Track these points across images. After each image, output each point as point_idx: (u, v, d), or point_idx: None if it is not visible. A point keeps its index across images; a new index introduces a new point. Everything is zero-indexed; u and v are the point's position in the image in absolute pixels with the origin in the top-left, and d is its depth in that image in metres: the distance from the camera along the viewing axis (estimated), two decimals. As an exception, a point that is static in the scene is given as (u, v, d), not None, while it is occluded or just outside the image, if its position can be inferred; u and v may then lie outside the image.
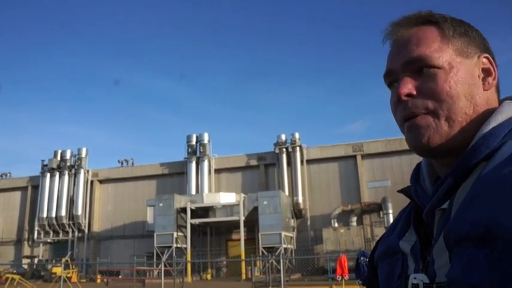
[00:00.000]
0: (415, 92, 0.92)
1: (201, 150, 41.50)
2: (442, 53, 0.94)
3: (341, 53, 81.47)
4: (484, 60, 0.99)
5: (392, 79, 0.99)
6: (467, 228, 0.73)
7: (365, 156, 39.13)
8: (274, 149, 40.50)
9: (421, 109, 0.91)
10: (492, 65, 0.99)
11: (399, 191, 1.09)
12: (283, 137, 40.62)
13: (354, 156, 39.21)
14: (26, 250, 44.44)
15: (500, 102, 0.98)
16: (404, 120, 0.94)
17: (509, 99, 0.97)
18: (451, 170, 0.88)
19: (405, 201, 1.04)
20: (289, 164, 39.56)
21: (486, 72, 0.98)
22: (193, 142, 42.10)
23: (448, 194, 0.87)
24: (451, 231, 0.76)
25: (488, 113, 0.92)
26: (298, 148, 39.63)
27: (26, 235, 44.90)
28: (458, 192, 0.84)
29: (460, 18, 1.02)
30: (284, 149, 39.85)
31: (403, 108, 0.93)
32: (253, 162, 41.36)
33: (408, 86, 0.93)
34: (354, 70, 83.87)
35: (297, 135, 40.30)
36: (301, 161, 39.50)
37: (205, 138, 42.05)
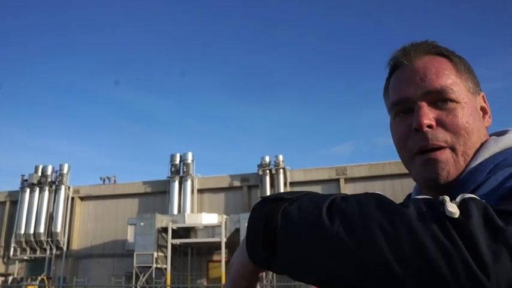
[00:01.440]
0: (434, 124, 0.93)
1: (185, 170, 41.26)
2: (458, 87, 0.96)
3: (328, 75, 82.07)
4: (481, 99, 1.03)
5: (405, 107, 0.99)
6: None
7: (348, 180, 39.21)
8: (258, 170, 40.42)
9: (441, 142, 0.93)
10: (487, 104, 1.04)
11: None
12: (267, 158, 40.60)
13: (337, 180, 39.26)
14: (1, 267, 43.36)
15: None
16: (420, 150, 0.95)
17: (495, 135, 0.99)
18: None
19: None
20: (272, 186, 39.45)
21: (483, 111, 1.03)
22: (177, 161, 41.88)
23: None
24: None
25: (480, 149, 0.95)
26: (281, 170, 39.59)
27: (1, 252, 43.85)
28: None
29: (459, 55, 1.04)
30: (268, 171, 39.80)
31: (421, 138, 0.94)
32: (237, 183, 41.19)
33: (430, 117, 0.93)
34: (340, 93, 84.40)
35: (280, 157, 40.30)
36: (285, 183, 39.42)
37: (189, 157, 41.85)
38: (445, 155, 0.93)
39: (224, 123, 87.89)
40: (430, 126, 0.93)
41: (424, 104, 0.95)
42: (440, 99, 0.95)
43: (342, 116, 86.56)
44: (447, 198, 0.65)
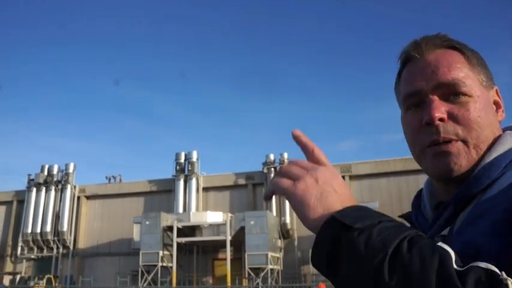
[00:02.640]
0: (446, 117, 0.93)
1: (190, 168, 41.36)
2: (471, 80, 0.95)
3: (333, 71, 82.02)
4: (494, 93, 1.03)
5: (416, 100, 0.98)
6: (457, 248, 0.73)
7: (353, 177, 39.16)
8: (263, 168, 40.47)
9: (452, 135, 0.92)
10: (500, 98, 1.03)
11: (400, 216, 1.11)
12: (271, 156, 40.63)
13: (343, 177, 38.71)
14: (9, 266, 43.68)
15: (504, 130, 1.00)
16: (431, 144, 0.94)
17: (509, 129, 0.98)
18: (453, 198, 0.90)
19: None
20: (277, 183, 39.42)
21: (496, 105, 1.02)
22: (182, 160, 41.98)
23: (448, 221, 0.89)
24: None
25: (494, 143, 0.94)
26: (287, 168, 39.53)
27: (8, 251, 44.17)
28: (458, 220, 0.86)
29: (472, 48, 1.03)
30: (272, 169, 39.80)
31: (433, 132, 0.93)
32: (242, 181, 41.26)
33: (441, 110, 0.93)
34: (345, 89, 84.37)
35: (285, 155, 40.31)
36: (290, 181, 39.38)
37: (194, 156, 41.96)
38: (457, 147, 0.92)
39: (228, 120, 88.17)
40: (441, 120, 0.93)
41: (435, 98, 0.95)
42: (452, 92, 0.94)
43: (347, 111, 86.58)
44: (509, 280, 0.61)
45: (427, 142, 0.95)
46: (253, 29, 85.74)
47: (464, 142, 0.92)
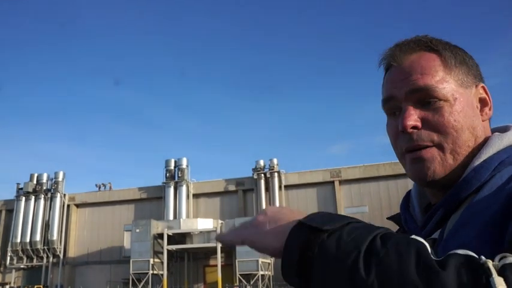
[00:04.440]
0: (420, 125, 0.92)
1: (180, 175, 41.35)
2: (446, 83, 0.93)
3: (323, 75, 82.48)
4: (481, 90, 1.00)
5: (392, 106, 0.99)
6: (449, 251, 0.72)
7: (343, 182, 39.42)
8: (253, 174, 40.61)
9: (427, 141, 0.92)
10: (488, 95, 1.00)
11: (388, 218, 1.11)
12: (261, 162, 40.80)
13: (332, 182, 39.47)
14: (-2, 277, 43.33)
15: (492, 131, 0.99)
16: (407, 151, 0.95)
17: (498, 131, 0.98)
18: (442, 201, 0.89)
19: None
20: (267, 189, 39.66)
21: (482, 103, 0.99)
22: (172, 167, 41.99)
23: (438, 224, 0.89)
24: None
25: (482, 145, 0.93)
26: (276, 174, 39.81)
27: (-3, 261, 43.84)
28: (449, 223, 0.86)
29: (456, 45, 1.01)
30: (262, 175, 40.00)
31: (408, 139, 0.94)
32: (232, 188, 41.33)
33: (414, 118, 0.92)
34: (335, 92, 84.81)
35: (275, 160, 40.52)
36: (280, 187, 39.64)
37: (184, 163, 41.98)
38: (431, 153, 0.92)
39: (218, 126, 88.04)
40: (415, 127, 0.92)
41: (409, 105, 0.94)
42: (425, 98, 0.93)
43: (338, 115, 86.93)
44: (492, 268, 0.60)
45: (403, 148, 0.95)
46: (242, 35, 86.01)
47: (440, 147, 0.92)
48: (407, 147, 0.94)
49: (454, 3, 74.46)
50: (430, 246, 0.81)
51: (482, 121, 0.97)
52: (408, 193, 1.09)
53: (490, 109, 1.00)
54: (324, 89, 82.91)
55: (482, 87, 1.00)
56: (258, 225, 0.78)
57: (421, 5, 77.24)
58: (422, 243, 0.65)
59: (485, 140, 0.94)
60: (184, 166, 41.83)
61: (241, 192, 41.05)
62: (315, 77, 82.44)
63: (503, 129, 0.99)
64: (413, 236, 0.68)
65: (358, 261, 0.63)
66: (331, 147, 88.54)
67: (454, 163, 0.92)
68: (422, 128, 0.93)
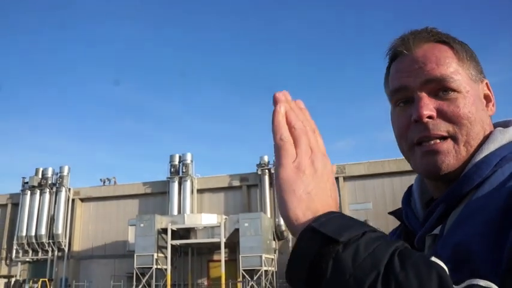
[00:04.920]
0: (435, 114, 0.92)
1: (184, 170, 41.45)
2: (460, 75, 0.93)
3: (329, 70, 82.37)
4: (485, 86, 1.00)
5: (403, 96, 0.97)
6: (449, 251, 0.73)
7: (347, 178, 39.37)
8: (257, 170, 40.63)
9: (443, 132, 0.91)
10: (491, 92, 1.00)
11: (390, 213, 1.10)
12: (265, 158, 40.79)
13: (336, 178, 39.34)
14: (3, 269, 43.61)
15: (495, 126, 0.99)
16: (420, 141, 0.93)
17: (500, 126, 0.97)
18: (443, 196, 0.89)
19: (386, 224, 1.04)
20: (271, 185, 39.61)
21: (487, 99, 0.99)
22: (176, 162, 42.07)
23: (439, 220, 0.88)
24: (435, 255, 0.73)
25: (485, 140, 0.92)
26: (280, 169, 39.70)
27: (3, 254, 44.12)
28: (449, 219, 0.85)
29: (462, 40, 1.01)
30: (267, 170, 40.02)
31: (422, 129, 0.92)
32: (236, 183, 41.38)
33: (430, 107, 0.91)
34: (341, 88, 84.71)
35: (279, 156, 40.46)
36: (284, 183, 39.52)
37: (188, 158, 42.06)
38: (446, 145, 0.91)
39: (222, 121, 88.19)
40: (430, 117, 0.91)
41: (424, 94, 0.93)
42: (440, 88, 0.92)
43: (342, 111, 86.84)
44: None
45: (415, 139, 0.94)
46: (248, 32, 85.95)
47: (455, 139, 0.91)
48: (421, 137, 0.93)
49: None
50: (432, 242, 0.84)
51: (489, 116, 0.98)
52: (410, 188, 1.08)
53: (493, 105, 1.00)
54: (330, 84, 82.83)
55: (486, 83, 1.01)
56: (304, 171, 0.70)
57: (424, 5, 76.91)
58: (442, 267, 0.61)
59: (488, 135, 0.94)
60: (188, 161, 41.91)
61: (246, 188, 41.10)
62: (320, 71, 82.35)
63: (506, 124, 0.99)
64: (432, 258, 0.63)
65: (377, 284, 0.58)
66: (337, 143, 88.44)
67: (466, 155, 0.91)
68: (438, 118, 0.92)
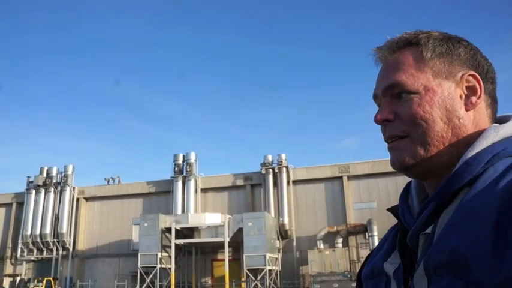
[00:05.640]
0: (392, 117, 0.96)
1: (188, 170, 41.47)
2: (418, 77, 0.95)
3: (336, 68, 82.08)
4: (470, 78, 0.96)
5: (378, 103, 1.03)
6: (445, 256, 0.72)
7: (351, 178, 39.28)
8: (261, 169, 40.58)
9: (399, 132, 0.95)
10: (479, 83, 0.96)
11: (388, 210, 1.10)
12: (269, 157, 40.75)
13: (340, 178, 39.33)
14: (8, 268, 43.84)
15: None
16: (386, 142, 0.99)
17: (498, 121, 0.97)
18: (434, 194, 0.88)
19: (389, 224, 1.03)
20: (275, 184, 39.62)
21: (471, 91, 0.96)
22: (180, 161, 42.11)
23: (431, 218, 0.86)
24: (430, 259, 0.76)
25: (475, 136, 0.91)
26: (284, 169, 39.73)
27: (8, 253, 44.37)
28: (441, 217, 0.84)
29: (447, 34, 1.01)
30: (270, 170, 39.96)
31: (384, 131, 0.99)
32: (240, 182, 41.37)
33: (385, 112, 0.97)
34: (345, 87, 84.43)
35: (283, 155, 40.44)
36: (288, 182, 39.56)
37: (192, 157, 42.08)
38: (403, 144, 0.94)
39: (227, 120, 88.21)
40: (388, 120, 0.96)
41: (384, 101, 0.99)
42: (398, 92, 0.96)
43: (347, 109, 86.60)
44: None
45: (384, 140, 1.00)
46: (253, 27, 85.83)
47: (410, 138, 0.93)
48: (385, 138, 0.99)
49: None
50: (425, 241, 0.85)
51: (467, 111, 0.94)
52: (409, 184, 1.08)
53: (478, 97, 0.95)
54: (334, 83, 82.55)
55: (472, 75, 0.96)
56: None
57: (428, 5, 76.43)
58: None
59: (480, 132, 0.92)
60: (192, 161, 41.93)
61: (249, 187, 41.09)
62: (324, 71, 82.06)
63: (503, 120, 0.97)
64: None
65: None
66: (341, 141, 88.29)
67: (426, 154, 0.92)
68: (395, 120, 0.96)
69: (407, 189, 1.07)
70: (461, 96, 0.94)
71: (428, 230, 0.85)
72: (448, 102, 0.93)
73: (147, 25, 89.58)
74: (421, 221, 0.88)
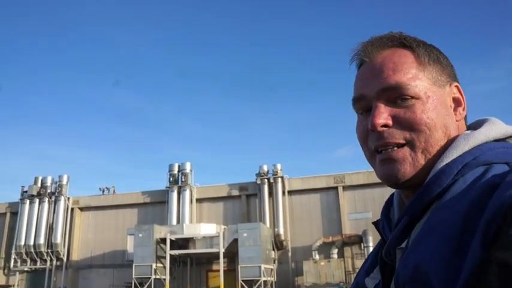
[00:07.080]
0: (391, 122, 0.89)
1: (183, 180, 41.39)
2: (419, 81, 0.90)
3: (329, 73, 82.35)
4: (455, 89, 0.96)
5: (364, 105, 0.95)
6: (409, 273, 0.71)
7: (346, 188, 39.29)
8: (256, 179, 40.54)
9: (399, 139, 0.88)
10: (462, 94, 0.96)
11: (373, 223, 1.06)
12: (265, 167, 40.73)
13: (336, 188, 39.34)
14: (1, 279, 43.43)
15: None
16: (377, 150, 0.91)
17: (472, 127, 0.95)
18: (406, 208, 0.86)
19: None
20: (270, 194, 39.57)
21: (456, 102, 0.95)
22: (175, 171, 42.03)
23: (405, 232, 0.84)
24: (398, 275, 0.75)
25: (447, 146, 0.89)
26: (280, 179, 39.70)
27: (1, 263, 43.94)
28: (413, 232, 0.82)
29: (430, 44, 0.98)
30: (266, 180, 39.92)
31: (378, 137, 0.90)
32: (235, 193, 41.28)
33: (384, 116, 0.89)
34: (341, 95, 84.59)
35: (278, 166, 40.45)
36: (283, 192, 39.52)
37: (187, 167, 42.01)
38: (402, 153, 0.88)
39: (222, 130, 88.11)
40: (386, 126, 0.89)
41: (380, 104, 0.91)
42: (397, 96, 0.90)
43: (344, 117, 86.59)
44: None
45: (373, 147, 0.92)
46: (248, 37, 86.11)
47: (412, 146, 0.88)
48: (377, 146, 0.91)
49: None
50: (401, 256, 0.82)
51: (456, 121, 0.93)
52: (391, 197, 1.04)
53: (463, 109, 0.96)
54: (331, 90, 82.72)
55: (456, 86, 0.97)
56: None
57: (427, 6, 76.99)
58: None
59: (451, 141, 0.90)
60: (187, 171, 41.87)
61: (245, 197, 41.00)
62: (320, 78, 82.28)
63: (476, 126, 0.95)
64: None
65: None
66: (338, 150, 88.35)
67: (425, 162, 0.88)
68: (393, 126, 0.89)
69: (389, 203, 1.03)
70: (450, 106, 0.94)
71: (403, 245, 0.84)
72: (444, 111, 0.92)
73: (141, 30, 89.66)
74: (395, 236, 0.86)
